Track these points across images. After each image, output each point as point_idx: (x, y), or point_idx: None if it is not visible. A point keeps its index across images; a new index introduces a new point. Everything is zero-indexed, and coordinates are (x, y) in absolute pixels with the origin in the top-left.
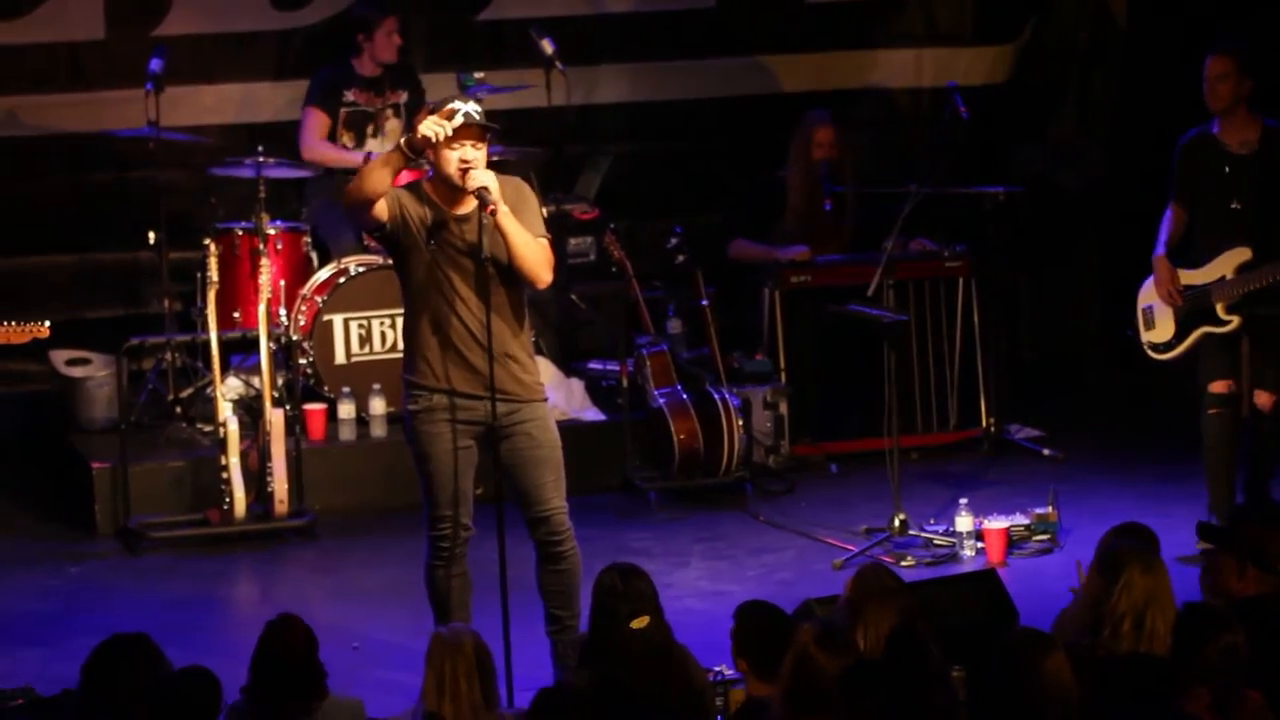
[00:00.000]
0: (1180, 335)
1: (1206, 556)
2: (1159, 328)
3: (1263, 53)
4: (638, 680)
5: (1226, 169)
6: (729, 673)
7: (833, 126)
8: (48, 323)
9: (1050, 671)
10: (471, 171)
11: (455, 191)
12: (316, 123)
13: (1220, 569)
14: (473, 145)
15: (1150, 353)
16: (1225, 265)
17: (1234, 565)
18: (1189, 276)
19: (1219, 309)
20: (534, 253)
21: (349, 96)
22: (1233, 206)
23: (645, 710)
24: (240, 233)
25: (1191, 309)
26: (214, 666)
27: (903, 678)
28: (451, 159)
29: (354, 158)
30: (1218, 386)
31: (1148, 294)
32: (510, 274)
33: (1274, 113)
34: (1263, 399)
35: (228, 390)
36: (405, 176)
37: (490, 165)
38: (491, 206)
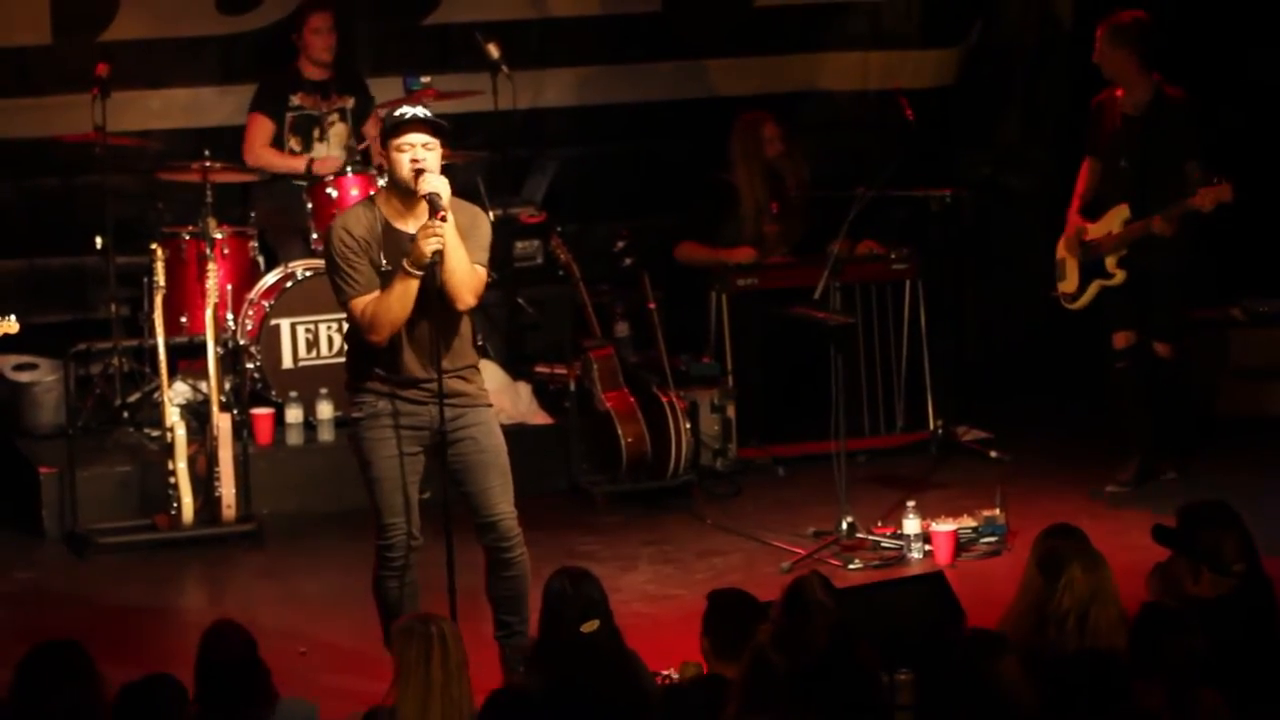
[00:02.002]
0: (1081, 288)
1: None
2: (1068, 279)
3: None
4: (587, 685)
5: (1120, 128)
6: (676, 677)
7: (778, 123)
8: (13, 316)
9: (1003, 673)
10: (425, 175)
11: (408, 202)
12: (260, 129)
13: (1175, 572)
14: (423, 145)
15: (1064, 303)
16: (1112, 221)
17: (1189, 568)
18: (1092, 231)
19: (1108, 263)
20: (465, 274)
21: (295, 101)
22: (1121, 165)
23: (594, 715)
24: (187, 237)
25: (1086, 262)
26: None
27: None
28: (403, 160)
29: (296, 163)
30: (1119, 340)
31: (1059, 248)
32: None
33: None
34: (1161, 348)
35: (175, 395)
36: (360, 184)
37: (442, 170)
38: (442, 213)
